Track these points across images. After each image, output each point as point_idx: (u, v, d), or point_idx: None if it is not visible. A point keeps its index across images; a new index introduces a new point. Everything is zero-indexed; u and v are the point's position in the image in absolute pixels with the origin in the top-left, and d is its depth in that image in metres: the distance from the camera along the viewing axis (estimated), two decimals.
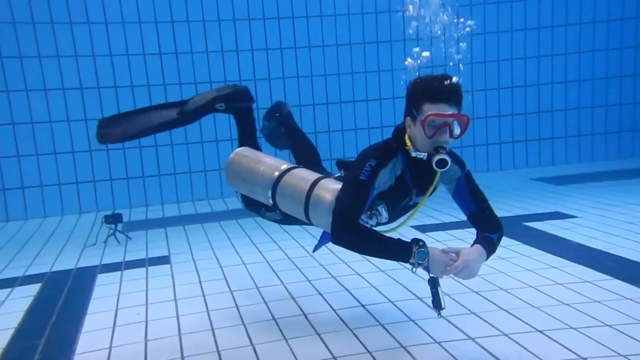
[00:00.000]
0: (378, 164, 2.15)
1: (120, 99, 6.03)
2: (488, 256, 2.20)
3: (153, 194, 6.23)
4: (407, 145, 2.17)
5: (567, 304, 2.71)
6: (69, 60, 5.90)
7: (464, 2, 6.54)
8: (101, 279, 3.67)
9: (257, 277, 3.44)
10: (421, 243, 2.08)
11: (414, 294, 2.96)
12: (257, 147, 2.92)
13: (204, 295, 3.17)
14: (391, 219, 2.36)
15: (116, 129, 3.00)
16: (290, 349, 2.42)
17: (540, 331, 2.43)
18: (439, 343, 2.38)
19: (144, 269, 3.80)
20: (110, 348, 2.57)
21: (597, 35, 6.82)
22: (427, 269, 2.10)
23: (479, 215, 2.30)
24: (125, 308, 3.06)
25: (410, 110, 2.15)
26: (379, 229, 2.34)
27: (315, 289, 3.16)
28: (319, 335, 2.54)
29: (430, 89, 2.08)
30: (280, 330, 2.63)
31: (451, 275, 2.12)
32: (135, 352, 2.51)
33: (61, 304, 3.26)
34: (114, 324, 2.85)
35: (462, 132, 2.12)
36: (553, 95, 6.93)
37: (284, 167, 2.59)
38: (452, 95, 2.08)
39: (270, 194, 2.57)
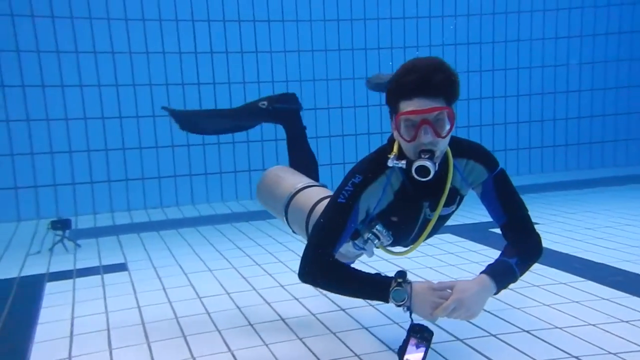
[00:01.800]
0: (363, 181, 1.81)
1: (66, 99, 5.71)
2: (500, 288, 1.81)
3: (102, 200, 5.89)
4: (390, 153, 1.81)
5: (548, 305, 2.71)
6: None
7: (462, 12, 6.66)
8: (51, 287, 3.38)
9: (226, 283, 3.27)
10: (400, 280, 1.74)
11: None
12: (308, 160, 2.61)
13: (170, 302, 2.97)
14: (406, 240, 2.07)
15: (187, 123, 2.92)
16: (273, 354, 2.27)
17: (527, 331, 2.40)
18: None
19: (98, 276, 3.54)
20: (69, 358, 2.33)
21: (584, 48, 7.08)
22: (410, 309, 1.77)
23: (509, 229, 1.92)
24: (83, 317, 2.82)
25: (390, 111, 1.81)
26: (396, 250, 2.14)
27: (290, 294, 3.02)
28: (300, 340, 2.41)
29: (402, 83, 1.70)
30: (259, 335, 2.47)
31: (444, 317, 1.76)
32: None
33: (6, 314, 2.96)
34: (71, 332, 2.61)
35: (450, 129, 1.73)
36: (506, 108, 7.13)
37: (299, 185, 2.28)
38: (432, 85, 1.67)
39: (286, 222, 2.31)
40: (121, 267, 3.73)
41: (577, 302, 2.74)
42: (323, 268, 1.82)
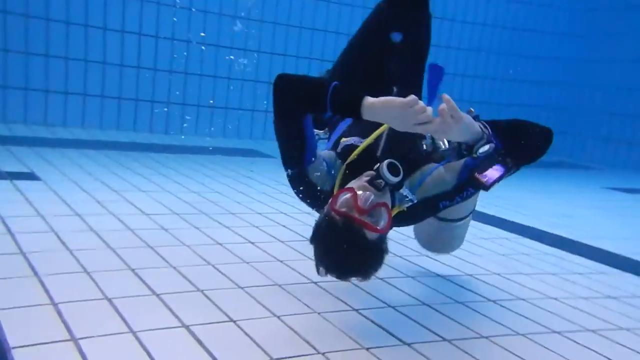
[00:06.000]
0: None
1: None
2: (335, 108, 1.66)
3: None
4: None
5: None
6: None
7: None
8: None
9: (167, 202, 3.11)
10: None
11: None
12: None
13: (114, 215, 2.74)
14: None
15: None
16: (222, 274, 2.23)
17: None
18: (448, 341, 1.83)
19: (7, 181, 3.14)
20: (23, 253, 2.08)
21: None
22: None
23: None
24: (16, 217, 2.52)
25: None
26: None
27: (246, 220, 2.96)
28: (249, 264, 2.39)
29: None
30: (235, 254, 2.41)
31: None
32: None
33: None
34: (9, 230, 2.33)
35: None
36: None
37: None
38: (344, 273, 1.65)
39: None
40: (30, 176, 3.35)
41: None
42: None
